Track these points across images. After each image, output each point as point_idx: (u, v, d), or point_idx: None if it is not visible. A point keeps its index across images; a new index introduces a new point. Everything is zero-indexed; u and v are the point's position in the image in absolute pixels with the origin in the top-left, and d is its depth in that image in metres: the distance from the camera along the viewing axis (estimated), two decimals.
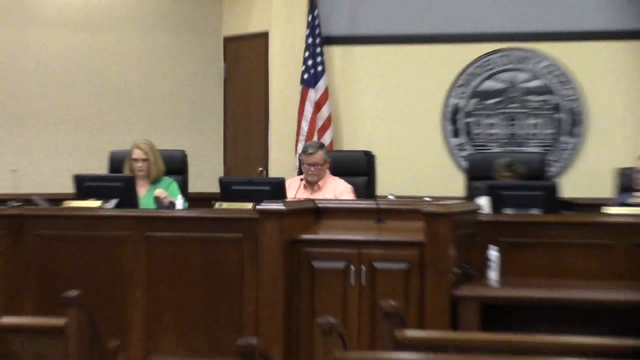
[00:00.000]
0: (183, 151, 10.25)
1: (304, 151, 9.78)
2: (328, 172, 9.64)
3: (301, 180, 9.61)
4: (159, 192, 9.32)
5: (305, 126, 11.42)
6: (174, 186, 9.71)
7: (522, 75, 11.37)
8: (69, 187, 9.41)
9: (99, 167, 10.22)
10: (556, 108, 11.26)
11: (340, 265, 7.95)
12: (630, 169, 9.41)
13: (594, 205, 9.30)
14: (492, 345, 6.08)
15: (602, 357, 5.45)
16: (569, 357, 5.53)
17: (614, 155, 10.19)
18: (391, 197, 8.99)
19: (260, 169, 11.36)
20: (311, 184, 9.50)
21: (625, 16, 11.04)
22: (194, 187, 10.29)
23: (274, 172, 11.16)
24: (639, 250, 8.38)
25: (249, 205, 8.56)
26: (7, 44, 11.81)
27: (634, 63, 11.03)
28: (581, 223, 8.77)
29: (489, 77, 11.44)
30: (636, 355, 5.61)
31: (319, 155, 9.59)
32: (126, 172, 9.59)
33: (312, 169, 9.50)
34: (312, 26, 11.50)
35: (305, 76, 11.48)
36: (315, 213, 8.35)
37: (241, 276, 8.54)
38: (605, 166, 9.98)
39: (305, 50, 11.49)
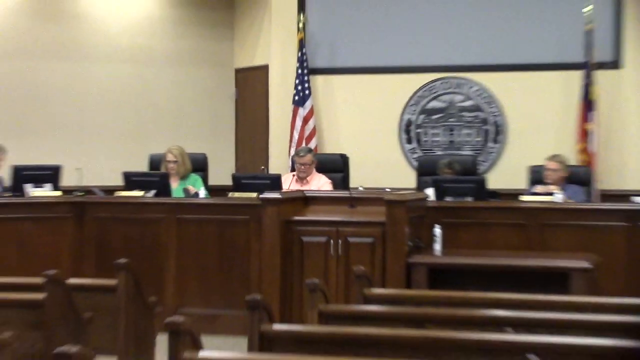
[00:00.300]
0: (204, 154, 10.24)
1: (297, 154, 9.78)
2: (314, 170, 9.62)
3: (293, 175, 9.61)
4: (189, 188, 9.34)
5: (296, 135, 11.39)
6: (199, 181, 9.72)
7: (458, 97, 11.34)
8: (119, 181, 9.40)
9: (141, 166, 10.19)
10: (484, 121, 11.24)
11: (322, 239, 7.94)
12: (539, 166, 9.42)
13: (512, 195, 9.27)
14: (437, 299, 6.09)
15: (516, 308, 5.45)
16: (492, 308, 5.53)
17: (527, 156, 10.16)
18: (361, 188, 8.98)
19: (263, 167, 11.31)
20: (301, 179, 9.47)
21: (536, 51, 11.03)
22: (212, 181, 10.24)
23: (272, 170, 11.12)
24: (546, 228, 8.40)
25: (254, 195, 8.56)
26: (74, 74, 11.78)
27: (544, 87, 11.04)
28: (503, 207, 8.80)
29: (433, 99, 11.41)
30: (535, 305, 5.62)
31: (308, 158, 9.59)
32: (163, 170, 9.59)
33: (303, 167, 9.49)
34: (301, 60, 11.47)
35: (296, 98, 11.44)
36: (304, 200, 8.34)
37: (248, 248, 8.57)
38: (521, 165, 9.96)
39: (296, 79, 11.45)
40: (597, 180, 10.18)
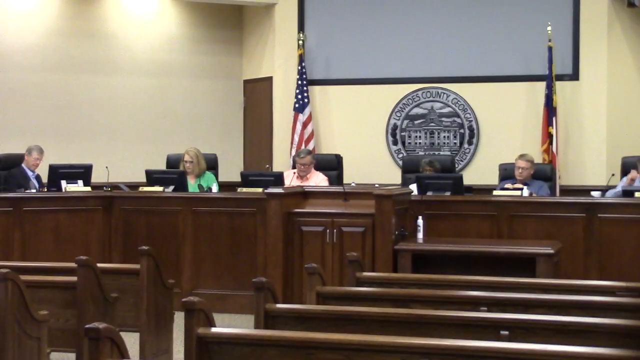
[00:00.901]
0: (215, 154, 10.19)
1: (298, 155, 9.73)
2: (313, 168, 9.59)
3: (294, 173, 9.55)
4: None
5: (296, 138, 11.35)
6: (213, 178, 9.70)
7: (437, 105, 11.30)
8: (142, 178, 9.39)
9: (161, 165, 10.17)
10: (460, 126, 11.20)
11: (319, 229, 7.89)
12: (509, 164, 9.37)
13: (485, 189, 9.27)
14: (420, 281, 6.05)
15: (489, 289, 5.42)
16: (468, 289, 5.50)
17: (497, 156, 10.13)
18: (353, 184, 8.96)
19: (267, 165, 11.32)
20: (301, 176, 9.44)
21: (505, 65, 11.00)
22: (223, 178, 10.22)
23: (276, 168, 11.10)
24: (514, 219, 8.38)
25: (260, 190, 8.54)
26: (103, 85, 11.79)
27: (512, 96, 11.02)
28: (477, 201, 8.76)
29: (416, 106, 11.37)
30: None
31: (308, 159, 9.54)
32: (181, 169, 9.55)
33: (303, 167, 9.44)
34: (301, 73, 11.43)
35: (296, 105, 11.40)
36: (303, 195, 8.29)
37: (255, 237, 8.56)
38: (492, 163, 9.92)
39: (296, 89, 11.41)
40: (559, 177, 10.18)
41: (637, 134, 10.67)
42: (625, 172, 9.12)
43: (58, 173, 9.16)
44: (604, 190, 9.05)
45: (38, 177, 9.61)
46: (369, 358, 3.78)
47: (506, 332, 4.29)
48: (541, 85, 10.68)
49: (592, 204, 8.39)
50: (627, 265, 7.97)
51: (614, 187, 8.96)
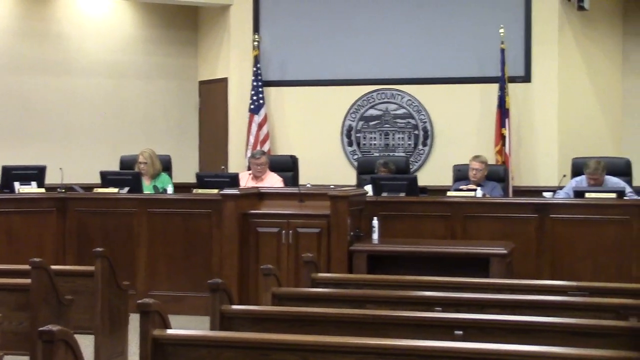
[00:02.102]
0: (169, 155, 10.18)
1: (253, 156, 9.75)
2: (268, 169, 9.59)
3: (249, 174, 9.56)
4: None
5: (251, 139, 11.33)
6: (168, 179, 9.66)
7: (392, 106, 11.33)
8: (97, 179, 9.34)
9: (114, 166, 10.11)
10: (414, 127, 11.25)
11: (275, 230, 7.90)
12: (463, 165, 9.45)
13: (439, 190, 9.31)
14: (375, 282, 6.08)
15: (443, 290, 5.44)
16: (423, 290, 5.52)
17: (451, 157, 10.19)
18: (308, 185, 8.96)
19: (223, 167, 11.27)
20: (257, 177, 9.44)
21: (458, 67, 11.06)
22: (179, 179, 10.21)
23: (231, 169, 11.07)
24: (468, 219, 8.44)
25: (215, 191, 8.53)
26: (57, 86, 11.70)
27: (465, 98, 11.07)
28: (431, 202, 8.80)
29: (370, 107, 11.39)
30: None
31: (263, 159, 9.58)
32: (136, 170, 9.51)
33: (259, 167, 9.47)
34: (256, 74, 11.41)
35: (252, 106, 11.38)
36: (259, 196, 8.30)
37: (210, 238, 8.55)
38: (446, 164, 9.99)
39: (251, 90, 11.39)
40: (512, 178, 10.24)
41: (587, 136, 10.80)
42: (575, 173, 9.21)
43: (11, 174, 9.07)
44: (555, 191, 9.16)
45: None
46: (324, 358, 3.79)
47: (460, 332, 4.31)
48: (494, 87, 10.74)
49: (544, 205, 8.47)
50: (578, 265, 8.06)
51: (562, 188, 9.07)
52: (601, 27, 11.06)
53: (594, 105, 11.06)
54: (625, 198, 8.40)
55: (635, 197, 8.56)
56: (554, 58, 10.84)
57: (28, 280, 5.77)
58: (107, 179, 9.24)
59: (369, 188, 8.84)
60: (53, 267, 6.04)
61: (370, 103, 11.42)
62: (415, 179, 9.18)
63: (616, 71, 11.14)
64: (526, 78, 10.90)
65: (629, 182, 9.04)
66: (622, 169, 9.23)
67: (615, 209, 8.23)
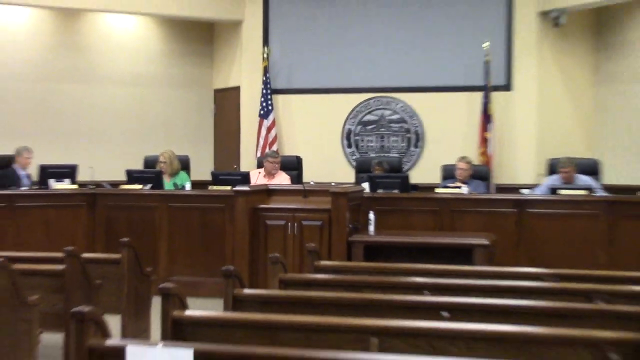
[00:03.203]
0: (187, 156, 10.16)
1: (271, 155, 9.68)
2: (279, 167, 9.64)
3: (259, 172, 9.56)
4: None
5: (261, 141, 11.37)
6: (186, 177, 9.67)
7: (387, 112, 11.36)
8: (123, 177, 9.33)
9: (139, 165, 10.10)
10: (407, 131, 11.27)
11: (282, 222, 7.89)
12: (450, 165, 9.45)
13: (429, 187, 9.31)
14: (371, 269, 6.08)
15: (432, 276, 5.46)
16: (413, 276, 5.53)
17: (440, 158, 10.20)
18: (312, 183, 8.95)
19: (235, 166, 11.32)
20: (269, 174, 9.44)
21: (447, 77, 11.09)
22: (196, 177, 10.19)
23: (243, 168, 11.11)
24: (454, 213, 8.45)
25: (228, 188, 8.52)
26: (88, 93, 11.79)
27: (453, 104, 11.11)
28: (421, 198, 8.82)
29: (368, 113, 11.42)
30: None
31: (279, 159, 9.63)
32: (157, 169, 9.52)
33: (275, 165, 9.49)
34: (265, 83, 11.44)
35: (262, 112, 11.41)
36: (267, 192, 8.29)
37: (224, 230, 8.55)
38: (436, 164, 10.00)
39: (261, 97, 11.42)
40: (493, 176, 10.26)
41: (562, 139, 10.81)
42: (551, 172, 9.24)
43: (47, 172, 9.12)
44: (532, 188, 9.17)
45: (29, 176, 9.55)
46: (325, 337, 3.80)
47: (447, 314, 4.32)
48: (478, 95, 10.77)
49: (522, 201, 8.49)
50: (552, 254, 8.07)
51: (539, 185, 9.09)
52: (575, 42, 11.07)
53: (568, 112, 11.07)
54: (594, 194, 8.42)
55: (603, 193, 8.58)
56: (533, 69, 10.86)
57: (62, 267, 5.80)
58: (132, 176, 9.24)
59: (366, 185, 8.86)
60: (84, 255, 6.07)
61: (368, 109, 11.44)
62: (407, 177, 9.20)
63: (588, 81, 11.14)
64: (507, 87, 10.93)
65: (598, 180, 9.06)
66: (592, 169, 9.25)
67: (585, 204, 8.26)
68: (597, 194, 8.47)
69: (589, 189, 8.52)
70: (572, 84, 11.08)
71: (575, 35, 11.06)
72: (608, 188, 8.95)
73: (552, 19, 10.79)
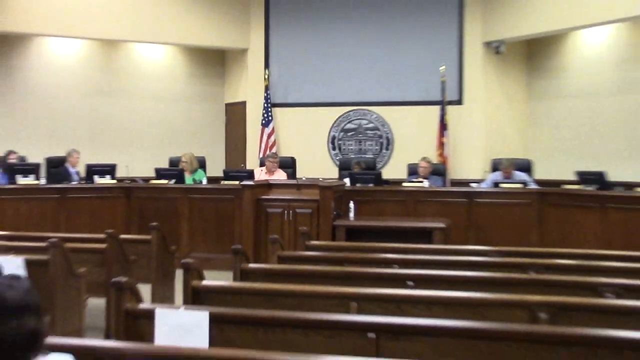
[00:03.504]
0: (204, 157, 10.09)
1: (273, 156, 9.57)
2: (277, 165, 9.60)
3: (261, 170, 9.50)
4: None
5: (263, 145, 11.34)
6: (202, 174, 9.60)
7: (364, 122, 11.36)
8: (152, 173, 9.32)
9: (165, 164, 10.05)
10: (380, 137, 11.27)
11: (279, 210, 7.84)
12: (414, 164, 9.44)
13: (398, 182, 9.31)
14: (351, 248, 6.09)
15: (399, 253, 5.48)
16: (385, 253, 5.54)
17: (406, 158, 10.16)
18: (304, 178, 8.94)
19: (242, 165, 11.31)
20: (270, 172, 9.40)
21: (412, 93, 11.09)
22: (211, 174, 10.13)
23: (248, 166, 11.07)
24: (418, 203, 8.46)
25: (237, 183, 8.51)
26: (125, 105, 11.74)
27: (416, 115, 11.10)
28: (391, 190, 8.83)
29: (348, 122, 11.41)
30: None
31: (277, 159, 9.54)
32: (180, 167, 9.48)
33: (275, 164, 9.40)
34: (266, 98, 11.42)
35: (263, 121, 11.39)
36: (268, 186, 8.27)
37: (233, 216, 8.55)
38: (402, 163, 9.99)
39: (263, 110, 11.41)
40: (449, 173, 10.28)
41: (503, 142, 10.83)
42: (494, 169, 9.25)
43: (92, 170, 9.10)
44: (479, 182, 9.19)
45: (78, 173, 9.51)
46: (314, 301, 3.80)
47: (411, 283, 4.33)
48: (436, 108, 10.77)
49: (471, 192, 8.51)
50: (495, 235, 8.09)
51: (484, 180, 9.11)
52: (512, 66, 11.09)
53: (507, 121, 11.08)
54: (528, 187, 8.45)
55: (535, 186, 8.61)
56: (479, 87, 10.88)
57: (104, 245, 5.81)
58: (160, 173, 9.23)
59: (347, 180, 8.86)
60: (121, 236, 6.08)
61: (348, 119, 11.43)
62: (380, 174, 9.21)
63: (523, 97, 11.16)
64: (459, 102, 10.94)
65: (531, 176, 9.09)
66: (527, 167, 9.27)
67: (520, 195, 8.29)
68: (530, 187, 8.50)
69: (524, 183, 8.55)
70: (511, 99, 11.10)
71: (512, 61, 11.08)
72: (539, 182, 8.97)
73: (494, 48, 10.81)
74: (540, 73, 11.00)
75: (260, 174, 9.41)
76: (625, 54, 9.86)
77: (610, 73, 10.05)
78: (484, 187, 8.74)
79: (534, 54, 11.09)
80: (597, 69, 10.21)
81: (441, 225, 7.33)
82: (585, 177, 8.08)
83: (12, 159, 9.50)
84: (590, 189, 7.89)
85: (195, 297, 3.88)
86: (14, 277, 2.33)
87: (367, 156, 11.12)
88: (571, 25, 9.90)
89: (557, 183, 8.67)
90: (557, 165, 10.24)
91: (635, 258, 5.20)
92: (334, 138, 11.50)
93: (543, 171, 9.88)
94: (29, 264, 4.81)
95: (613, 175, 8.22)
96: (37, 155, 9.77)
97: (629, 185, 8.12)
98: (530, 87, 11.15)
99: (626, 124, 9.79)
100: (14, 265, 4.74)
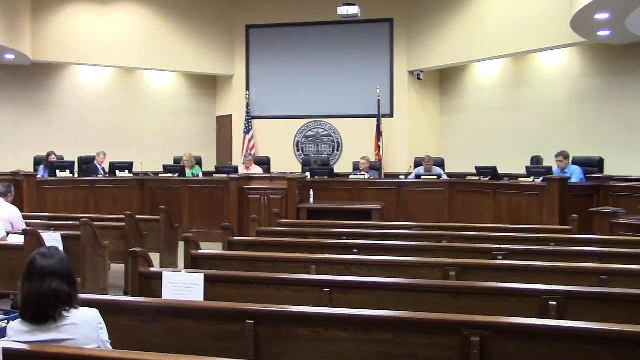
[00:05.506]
0: (200, 156, 9.94)
1: (246, 156, 9.51)
2: (253, 163, 9.48)
3: (244, 166, 9.42)
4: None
5: (244, 147, 11.21)
6: (199, 169, 9.44)
7: (320, 130, 11.30)
8: (161, 169, 9.16)
9: (170, 161, 9.87)
10: (332, 141, 11.25)
11: (258, 196, 7.85)
12: (358, 161, 9.42)
13: (346, 175, 9.32)
14: (311, 225, 6.07)
15: (348, 228, 5.49)
16: (337, 228, 5.54)
17: (352, 157, 10.19)
18: (276, 173, 8.91)
19: (229, 162, 11.17)
20: (247, 167, 9.33)
21: (357, 108, 11.07)
22: (206, 169, 10.00)
23: (234, 163, 10.91)
24: (361, 191, 8.46)
25: (225, 176, 8.39)
26: (139, 119, 11.48)
27: (360, 125, 11.06)
28: (341, 181, 8.80)
29: (309, 130, 11.34)
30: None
31: (251, 158, 9.44)
32: (182, 164, 9.32)
33: (250, 161, 9.30)
34: (248, 112, 11.30)
35: (245, 130, 11.26)
36: (249, 178, 8.23)
37: (222, 201, 8.41)
38: (349, 161, 10.01)
39: (245, 121, 11.28)
40: (383, 168, 10.31)
41: (422, 145, 10.89)
42: (417, 165, 9.31)
43: (114, 166, 8.94)
44: (406, 175, 9.23)
45: (103, 169, 9.29)
46: (285, 265, 3.79)
47: (356, 250, 4.35)
48: (374, 120, 10.74)
49: (400, 182, 8.54)
50: (417, 214, 8.17)
51: (409, 173, 9.18)
52: (429, 88, 11.15)
53: (426, 129, 11.15)
54: (442, 179, 8.53)
55: (446, 178, 8.69)
56: (405, 104, 10.91)
57: (124, 224, 5.73)
58: (166, 168, 9.07)
59: (308, 174, 8.83)
60: (137, 216, 6.00)
61: (309, 128, 11.36)
62: (332, 169, 9.19)
63: (437, 112, 11.24)
64: (391, 115, 10.94)
65: (444, 170, 9.18)
66: (441, 163, 9.35)
67: (436, 184, 8.36)
68: (443, 178, 8.58)
69: (439, 175, 8.62)
70: (428, 113, 11.17)
71: (429, 85, 11.14)
72: (449, 175, 9.05)
73: (416, 75, 10.87)
74: (450, 94, 11.10)
75: (242, 169, 9.34)
76: (509, 80, 10.03)
77: (499, 94, 10.21)
78: (410, 179, 8.80)
79: (445, 79, 11.19)
80: (490, 91, 10.36)
81: (378, 207, 7.38)
82: (482, 171, 8.19)
83: (52, 158, 9.27)
84: (485, 179, 8.00)
85: (194, 262, 3.85)
86: (52, 248, 2.26)
87: (322, 156, 11.08)
88: (471, 58, 10.03)
89: (463, 175, 8.78)
90: (462, 162, 10.37)
91: (518, 230, 5.31)
92: (298, 142, 11.45)
93: (452, 166, 9.99)
94: (64, 238, 4.77)
95: (502, 169, 8.35)
96: (71, 155, 9.54)
97: (514, 177, 8.26)
98: (442, 105, 11.25)
99: (511, 131, 9.97)
100: (53, 238, 4.67)
